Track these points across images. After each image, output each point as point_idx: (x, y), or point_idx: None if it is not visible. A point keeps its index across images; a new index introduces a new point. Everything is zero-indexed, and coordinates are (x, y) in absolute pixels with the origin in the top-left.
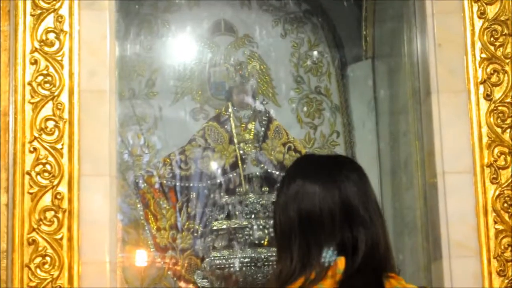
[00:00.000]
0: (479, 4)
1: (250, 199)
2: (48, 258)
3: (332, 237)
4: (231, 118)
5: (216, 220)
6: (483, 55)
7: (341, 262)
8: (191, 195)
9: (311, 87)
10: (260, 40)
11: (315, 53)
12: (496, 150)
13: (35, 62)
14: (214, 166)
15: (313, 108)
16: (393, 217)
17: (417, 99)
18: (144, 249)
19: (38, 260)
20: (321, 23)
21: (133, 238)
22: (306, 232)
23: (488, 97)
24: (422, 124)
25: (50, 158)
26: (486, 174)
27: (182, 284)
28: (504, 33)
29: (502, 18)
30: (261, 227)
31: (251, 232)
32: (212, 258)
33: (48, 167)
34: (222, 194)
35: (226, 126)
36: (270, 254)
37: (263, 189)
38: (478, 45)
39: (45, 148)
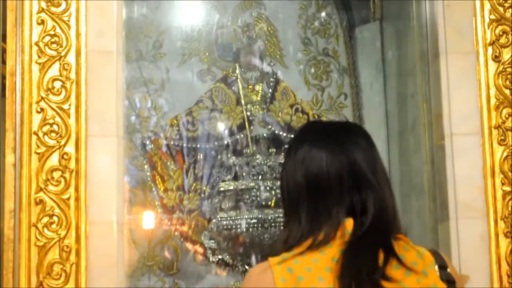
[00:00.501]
0: None
1: (257, 161)
2: (55, 218)
3: (341, 200)
4: (238, 80)
5: (223, 181)
6: (492, 16)
7: (349, 223)
8: (198, 157)
9: (318, 49)
10: (268, 2)
11: (323, 14)
12: (504, 112)
13: (42, 23)
14: (221, 127)
15: (321, 70)
16: (401, 179)
17: (425, 61)
18: (151, 210)
19: (45, 219)
20: None
21: (140, 200)
22: (314, 196)
23: (496, 58)
24: (430, 86)
25: (57, 119)
26: (494, 135)
27: (188, 245)
28: None
29: None
30: (268, 188)
31: (258, 193)
32: (219, 219)
33: (55, 127)
34: (229, 155)
35: (233, 88)
36: (277, 215)
37: (270, 150)
38: (487, 6)
39: (52, 109)
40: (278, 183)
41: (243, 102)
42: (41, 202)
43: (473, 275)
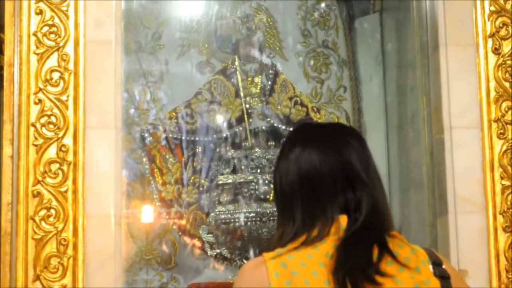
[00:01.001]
0: None
1: (256, 154)
2: (52, 211)
3: (334, 198)
4: (237, 72)
5: (222, 174)
6: (492, 8)
7: (343, 219)
8: (197, 149)
9: (318, 41)
10: None
11: (323, 6)
12: (504, 105)
13: (40, 12)
14: (220, 120)
15: (320, 62)
16: (400, 173)
17: (425, 53)
18: (150, 204)
19: (43, 212)
20: None
21: (138, 193)
22: (307, 194)
23: (496, 51)
24: (429, 79)
25: (55, 110)
26: (493, 129)
27: (187, 238)
28: None
29: None
30: (266, 181)
31: (256, 186)
32: (217, 212)
33: (53, 119)
34: (228, 148)
35: (232, 80)
36: (275, 209)
37: (269, 143)
38: None
39: (50, 100)
40: None
41: (242, 94)
42: (38, 194)
43: (472, 270)
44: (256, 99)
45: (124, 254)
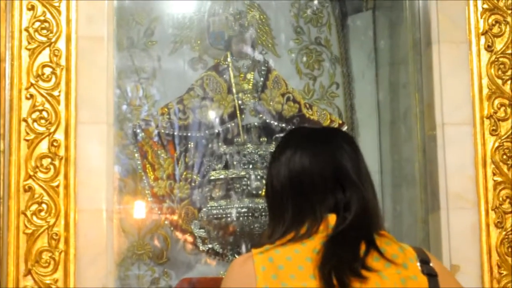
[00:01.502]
0: None
1: (248, 149)
2: (44, 206)
3: (324, 199)
4: (230, 68)
5: (214, 170)
6: (485, 6)
7: (332, 218)
8: (189, 145)
9: (311, 38)
10: None
11: (316, 3)
12: (496, 102)
13: (32, 8)
14: (212, 115)
15: (313, 59)
16: (392, 169)
17: (417, 50)
18: (142, 199)
19: (34, 207)
20: None
21: (130, 189)
22: (297, 194)
23: (489, 48)
24: (422, 76)
25: (47, 105)
26: (485, 125)
27: (178, 233)
28: None
29: None
30: (258, 177)
31: (248, 182)
32: (209, 208)
33: (44, 114)
34: (220, 144)
35: (224, 76)
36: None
37: (261, 139)
38: None
39: (42, 95)
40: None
41: (234, 90)
42: (30, 189)
43: (464, 266)
44: (249, 95)
45: (116, 249)
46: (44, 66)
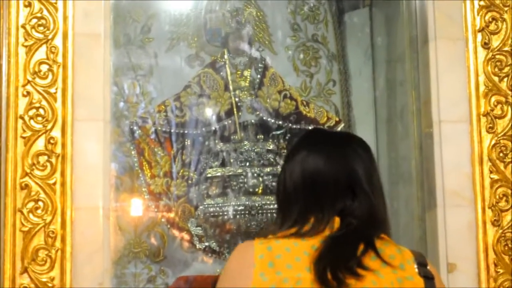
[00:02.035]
0: None
1: (245, 147)
2: (40, 203)
3: (334, 202)
4: (226, 65)
5: (211, 167)
6: (482, 3)
7: (337, 221)
8: (186, 142)
9: (308, 35)
10: None
11: (312, 0)
12: (493, 99)
13: (28, 5)
14: (209, 113)
15: (310, 56)
16: (388, 167)
17: (414, 47)
18: (138, 197)
19: (30, 204)
20: None
21: (127, 186)
22: (309, 194)
23: (486, 45)
24: (419, 73)
25: (44, 102)
26: (482, 123)
27: (175, 231)
28: None
29: None
30: (255, 175)
31: (245, 180)
32: (206, 205)
33: (41, 111)
34: (217, 141)
35: (221, 73)
36: (264, 202)
37: (258, 136)
38: None
39: (39, 92)
40: (266, 169)
41: (231, 87)
42: (26, 187)
43: (460, 264)
44: (245, 92)
45: (112, 247)
46: (41, 63)
